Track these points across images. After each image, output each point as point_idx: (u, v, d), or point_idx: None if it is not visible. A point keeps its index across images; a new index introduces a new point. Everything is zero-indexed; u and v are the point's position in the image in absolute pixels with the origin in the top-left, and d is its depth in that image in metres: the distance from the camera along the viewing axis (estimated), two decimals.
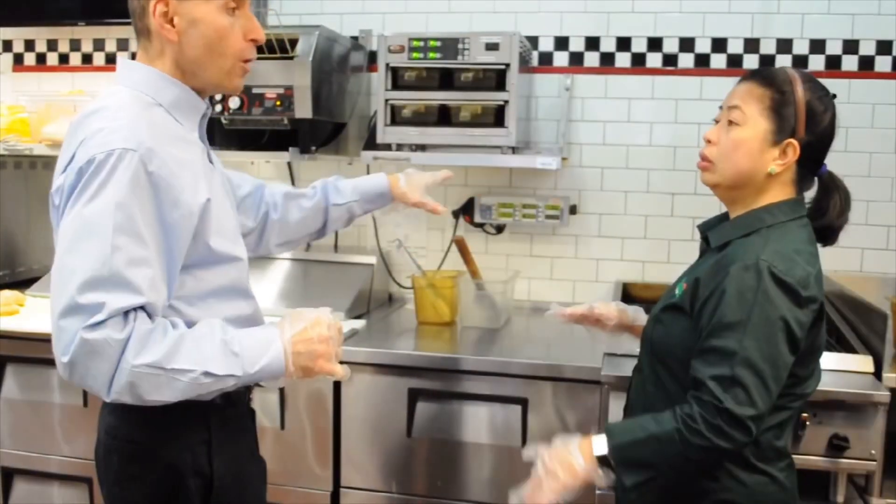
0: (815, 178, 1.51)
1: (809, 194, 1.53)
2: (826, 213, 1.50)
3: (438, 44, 2.40)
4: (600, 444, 1.39)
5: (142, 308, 1.24)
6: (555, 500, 1.42)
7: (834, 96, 1.48)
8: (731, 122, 1.46)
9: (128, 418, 1.40)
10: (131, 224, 1.24)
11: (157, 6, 1.33)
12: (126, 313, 1.22)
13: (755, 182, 1.46)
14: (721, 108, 1.51)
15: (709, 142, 1.50)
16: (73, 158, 1.27)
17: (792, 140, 1.43)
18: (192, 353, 1.25)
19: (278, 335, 1.34)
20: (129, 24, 1.41)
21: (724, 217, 1.59)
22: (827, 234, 1.50)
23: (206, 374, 1.26)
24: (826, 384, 1.89)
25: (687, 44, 2.65)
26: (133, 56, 1.45)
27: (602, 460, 1.39)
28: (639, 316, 1.80)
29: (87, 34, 3.04)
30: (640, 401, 1.56)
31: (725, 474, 1.42)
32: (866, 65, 2.55)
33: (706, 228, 1.60)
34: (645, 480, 1.40)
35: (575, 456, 1.40)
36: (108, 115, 1.30)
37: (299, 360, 1.34)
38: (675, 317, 1.48)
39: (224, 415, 1.45)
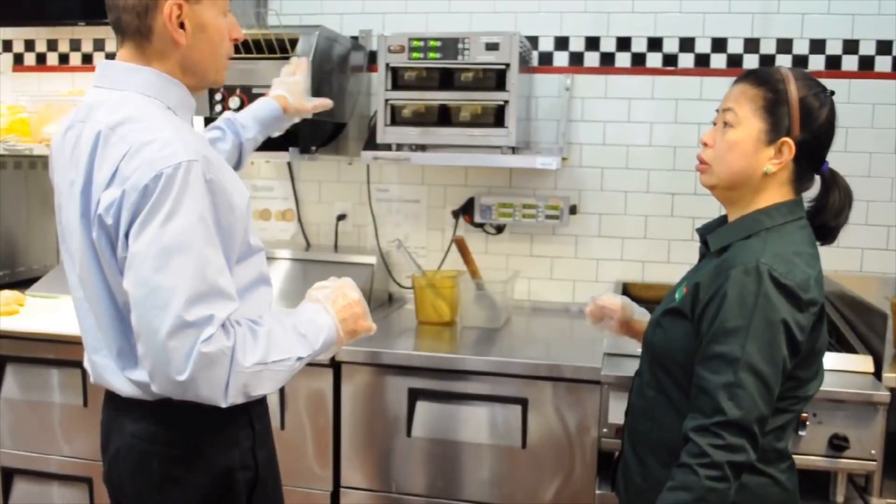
0: (816, 177, 1.51)
1: (810, 193, 1.53)
2: (825, 211, 1.49)
3: (438, 44, 2.40)
4: None
5: None
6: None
7: (832, 93, 1.47)
8: (725, 124, 1.47)
9: (167, 422, 1.39)
10: (210, 234, 1.28)
11: (172, 9, 1.34)
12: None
13: (751, 182, 1.46)
14: (718, 110, 1.52)
15: (705, 144, 1.51)
16: (116, 173, 1.26)
17: (786, 139, 1.43)
18: (282, 344, 1.35)
19: (324, 310, 1.46)
20: None
21: (722, 219, 1.59)
22: (825, 232, 1.50)
23: (297, 359, 1.36)
24: (826, 384, 1.88)
25: (687, 44, 2.65)
26: (111, 56, 1.45)
27: None
28: (635, 310, 1.81)
29: (87, 34, 3.05)
30: (640, 404, 1.56)
31: None
32: (866, 65, 2.55)
33: (705, 232, 1.60)
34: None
35: None
36: (146, 125, 1.30)
37: (346, 325, 1.48)
38: (675, 321, 1.47)
39: (261, 408, 1.51)
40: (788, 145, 1.43)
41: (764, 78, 1.46)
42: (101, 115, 1.33)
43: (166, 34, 1.35)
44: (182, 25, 1.36)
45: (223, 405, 1.28)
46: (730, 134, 1.46)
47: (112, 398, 1.45)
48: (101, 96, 1.37)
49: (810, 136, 1.44)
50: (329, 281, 1.53)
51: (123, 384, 1.39)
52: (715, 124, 1.52)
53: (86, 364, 1.48)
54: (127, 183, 1.25)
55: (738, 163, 1.45)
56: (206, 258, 1.25)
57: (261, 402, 1.50)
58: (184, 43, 1.36)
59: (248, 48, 2.41)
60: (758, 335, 1.33)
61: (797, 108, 1.43)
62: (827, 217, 1.49)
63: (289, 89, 1.94)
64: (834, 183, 1.50)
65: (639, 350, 1.71)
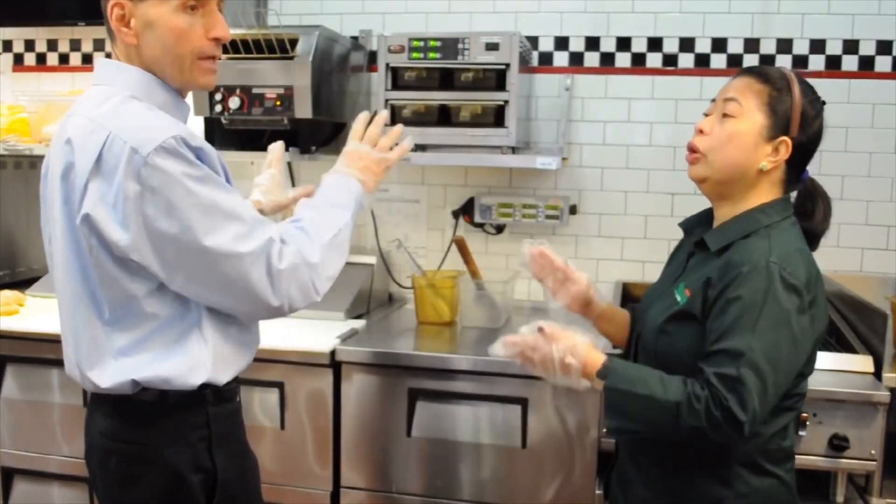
0: (799, 183, 1.52)
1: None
2: (812, 217, 1.50)
3: (438, 44, 2.40)
4: (600, 372, 1.40)
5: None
6: (537, 372, 1.45)
7: (823, 103, 1.48)
8: (725, 115, 1.45)
9: (126, 420, 1.42)
10: (220, 183, 1.34)
11: (113, 9, 1.36)
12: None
13: (746, 177, 1.45)
14: (713, 101, 1.50)
15: (700, 132, 1.48)
16: (99, 159, 1.30)
17: (785, 138, 1.43)
18: (327, 221, 1.46)
19: (341, 173, 1.58)
20: None
21: (707, 215, 1.58)
22: (811, 238, 1.50)
23: (346, 225, 1.48)
24: (826, 384, 1.90)
25: (687, 44, 2.65)
26: (110, 56, 1.48)
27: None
28: (598, 294, 1.75)
29: (87, 34, 3.05)
30: None
31: (739, 481, 1.42)
32: (866, 65, 2.55)
33: (689, 227, 1.60)
34: (626, 430, 1.43)
35: (576, 358, 1.41)
36: (124, 112, 1.34)
37: (367, 173, 1.59)
38: (682, 325, 1.44)
39: (220, 410, 1.47)
40: (786, 144, 1.43)
41: (770, 75, 1.45)
42: (84, 108, 1.37)
43: (119, 35, 1.38)
44: (129, 25, 1.36)
45: (317, 299, 1.41)
46: (731, 124, 1.44)
47: (86, 394, 1.51)
48: (94, 92, 1.41)
49: (805, 140, 1.45)
50: (349, 144, 1.64)
51: (89, 378, 1.41)
52: (707, 114, 1.50)
53: (64, 356, 1.49)
54: (117, 174, 1.28)
55: (736, 155, 1.44)
56: (232, 204, 1.33)
57: (224, 404, 1.48)
58: (133, 42, 1.37)
59: (248, 48, 2.42)
60: (764, 334, 1.32)
61: (799, 109, 1.43)
62: (813, 223, 1.50)
63: (264, 188, 1.84)
64: (817, 191, 1.51)
65: (615, 350, 1.71)
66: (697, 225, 1.61)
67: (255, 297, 1.35)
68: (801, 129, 1.43)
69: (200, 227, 1.30)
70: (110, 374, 1.39)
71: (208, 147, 1.37)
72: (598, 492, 2.03)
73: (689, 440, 1.36)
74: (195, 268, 1.33)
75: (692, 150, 1.50)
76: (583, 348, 1.42)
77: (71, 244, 1.37)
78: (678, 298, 1.48)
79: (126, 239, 1.30)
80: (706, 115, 1.51)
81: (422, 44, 2.41)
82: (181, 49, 1.39)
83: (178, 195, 1.28)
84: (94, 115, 1.34)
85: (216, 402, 1.45)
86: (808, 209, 1.51)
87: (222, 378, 1.44)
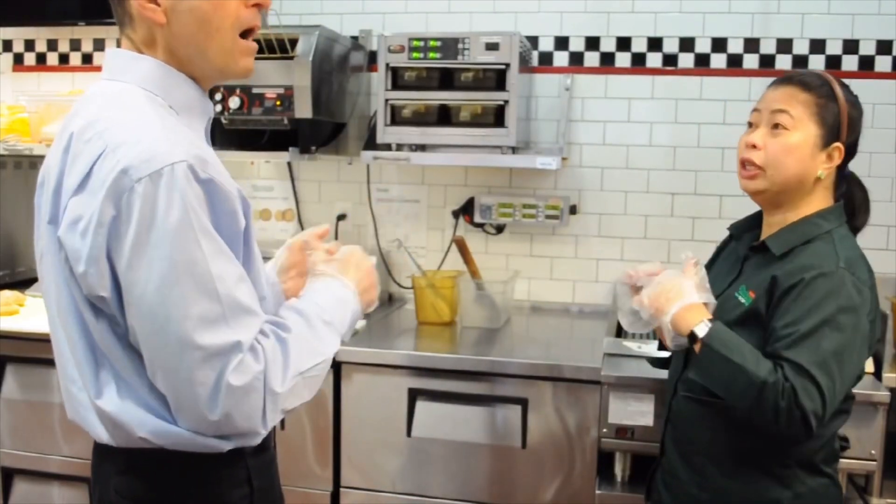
0: (843, 181, 1.54)
1: None
2: (855, 213, 1.54)
3: (438, 44, 2.40)
4: (701, 328, 1.39)
5: None
6: (638, 307, 1.48)
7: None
8: (777, 126, 1.45)
9: (153, 479, 1.19)
10: (216, 243, 1.09)
11: None
12: None
13: (804, 187, 1.47)
14: (756, 111, 1.49)
15: (754, 146, 1.47)
16: (89, 175, 1.07)
17: (838, 144, 1.45)
18: (313, 345, 1.19)
19: (343, 286, 1.31)
20: None
21: (754, 220, 1.58)
22: (854, 233, 1.54)
23: (327, 359, 1.22)
24: None
25: (687, 44, 2.64)
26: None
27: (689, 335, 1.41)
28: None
29: (87, 34, 3.05)
30: (695, 412, 1.52)
31: (797, 481, 1.44)
32: (866, 65, 2.55)
33: (737, 231, 1.61)
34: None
35: (677, 302, 1.42)
36: (128, 120, 1.11)
37: (365, 298, 1.36)
38: (747, 326, 1.44)
39: (260, 461, 1.27)
40: (839, 150, 1.46)
41: (811, 83, 1.46)
42: (86, 109, 1.16)
43: (143, 15, 1.15)
44: (156, 0, 1.14)
45: (263, 432, 1.13)
46: (786, 137, 1.44)
47: (96, 442, 1.23)
48: (100, 88, 1.20)
49: (852, 142, 1.47)
50: (346, 248, 1.39)
51: (97, 427, 1.17)
52: (751, 124, 1.49)
53: (63, 394, 1.25)
54: (97, 195, 1.05)
55: (795, 167, 1.45)
56: (216, 273, 1.07)
57: (262, 454, 1.26)
58: (161, 20, 1.15)
59: None
60: (835, 337, 1.34)
61: (846, 114, 1.45)
62: (858, 219, 1.54)
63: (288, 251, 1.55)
64: (857, 185, 1.55)
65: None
66: (747, 230, 1.61)
67: (190, 400, 1.07)
68: (849, 132, 1.46)
69: (163, 284, 1.04)
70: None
71: (222, 179, 1.11)
72: (598, 492, 2.04)
73: (753, 428, 1.38)
74: (144, 329, 1.07)
75: (748, 165, 1.49)
76: (688, 301, 1.42)
77: (58, 265, 1.14)
78: (742, 300, 1.47)
79: (92, 273, 1.07)
80: (750, 124, 1.50)
81: (422, 44, 2.41)
82: (220, 21, 1.16)
83: (154, 237, 1.04)
84: (95, 120, 1.12)
85: (257, 453, 1.24)
86: (852, 206, 1.54)
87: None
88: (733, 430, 1.45)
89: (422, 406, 2.14)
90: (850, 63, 2.56)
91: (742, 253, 1.57)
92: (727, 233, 1.71)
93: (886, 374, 1.94)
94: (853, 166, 1.57)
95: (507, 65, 2.36)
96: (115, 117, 1.11)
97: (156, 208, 1.04)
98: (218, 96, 2.44)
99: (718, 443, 1.48)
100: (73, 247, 1.08)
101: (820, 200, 1.49)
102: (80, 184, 1.08)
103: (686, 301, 1.42)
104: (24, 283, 2.77)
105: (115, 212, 1.04)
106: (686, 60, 2.65)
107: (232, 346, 1.07)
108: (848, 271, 1.38)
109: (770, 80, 1.58)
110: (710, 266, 1.69)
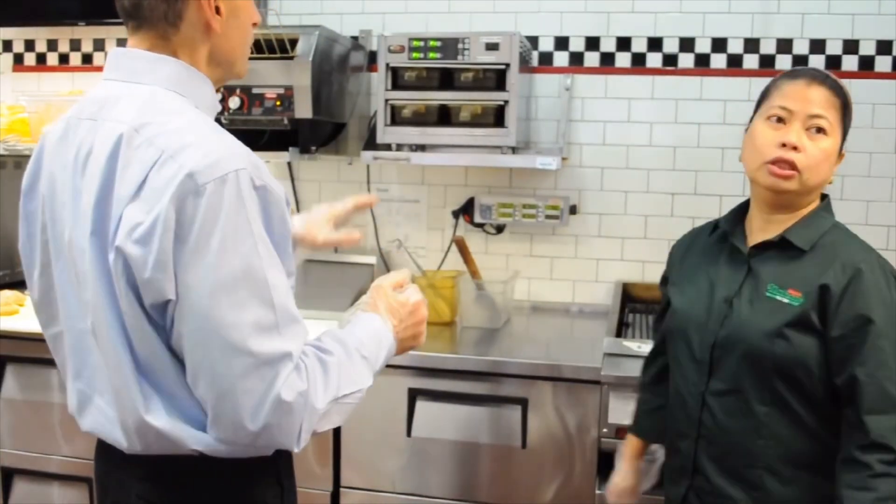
0: None
1: None
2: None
3: (438, 44, 2.40)
4: None
5: None
6: None
7: None
8: (819, 130, 1.43)
9: (181, 485, 1.18)
10: (270, 253, 1.10)
11: None
12: None
13: (819, 190, 1.50)
14: (784, 108, 1.44)
15: (795, 148, 1.42)
16: (144, 183, 1.06)
17: (843, 150, 1.48)
18: (351, 375, 1.19)
19: (382, 323, 1.31)
20: None
21: (739, 214, 1.56)
22: None
23: (362, 390, 1.21)
24: None
25: (687, 44, 2.64)
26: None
27: None
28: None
29: (87, 34, 3.04)
30: (742, 424, 1.45)
31: None
32: (866, 65, 2.55)
33: (729, 228, 1.58)
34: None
35: None
36: (179, 126, 1.11)
37: (404, 344, 1.36)
38: (800, 332, 1.40)
39: (286, 459, 1.28)
40: (843, 154, 1.49)
41: (839, 88, 1.47)
42: (118, 113, 1.12)
43: (200, 20, 1.18)
44: (218, 10, 1.19)
45: (295, 450, 1.13)
46: (824, 142, 1.44)
47: (107, 450, 1.22)
48: (116, 90, 1.17)
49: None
50: (404, 283, 1.42)
51: (123, 437, 1.16)
52: (781, 121, 1.44)
53: (71, 408, 1.29)
54: (161, 200, 1.04)
55: (826, 173, 1.46)
56: (272, 282, 1.07)
57: (287, 452, 1.24)
58: (218, 30, 1.19)
59: None
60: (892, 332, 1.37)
61: (851, 119, 1.48)
62: None
63: (310, 215, 1.62)
64: None
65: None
66: (735, 225, 1.57)
67: (232, 407, 1.06)
68: (846, 135, 1.49)
69: (220, 289, 1.04)
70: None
71: (273, 185, 1.12)
72: (597, 492, 2.04)
73: (808, 429, 1.41)
74: (193, 334, 1.07)
75: (785, 165, 1.43)
76: None
77: (105, 283, 1.11)
78: (785, 301, 1.42)
79: (159, 279, 1.06)
80: (780, 119, 1.45)
81: (422, 44, 2.41)
82: (250, 38, 1.27)
83: (215, 242, 1.04)
84: (140, 125, 1.10)
85: (285, 453, 1.24)
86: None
87: None
88: (790, 437, 1.42)
89: (422, 406, 2.14)
90: (850, 63, 2.56)
91: (745, 251, 1.51)
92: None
93: None
94: (853, 166, 1.58)
95: (507, 65, 2.36)
96: (163, 122, 1.11)
97: (219, 213, 1.05)
98: (218, 96, 2.43)
99: (774, 452, 1.43)
100: (135, 254, 1.06)
101: (816, 198, 1.52)
102: (134, 193, 1.07)
103: None
104: (24, 283, 2.76)
105: (180, 215, 1.04)
106: (686, 60, 2.65)
107: (282, 355, 1.07)
108: (881, 260, 1.42)
109: (769, 79, 1.54)
110: (674, 265, 1.66)
